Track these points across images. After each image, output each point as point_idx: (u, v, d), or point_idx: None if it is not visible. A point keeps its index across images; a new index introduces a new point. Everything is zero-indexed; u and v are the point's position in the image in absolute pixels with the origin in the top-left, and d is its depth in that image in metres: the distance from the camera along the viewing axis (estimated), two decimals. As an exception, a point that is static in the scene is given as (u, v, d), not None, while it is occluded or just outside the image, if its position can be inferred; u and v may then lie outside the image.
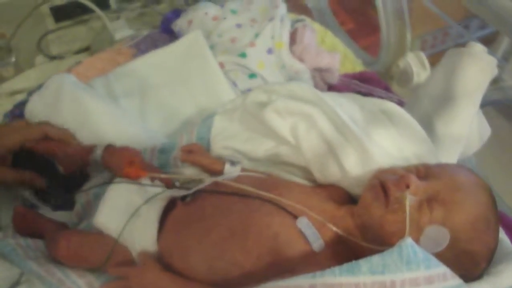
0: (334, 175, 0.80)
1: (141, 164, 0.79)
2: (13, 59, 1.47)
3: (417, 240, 0.60)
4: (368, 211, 0.70)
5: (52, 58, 1.50)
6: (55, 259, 0.75)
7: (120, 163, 0.82)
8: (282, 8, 1.33)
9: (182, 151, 0.85)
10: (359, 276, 0.57)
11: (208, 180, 0.76)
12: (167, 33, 1.45)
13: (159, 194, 0.76)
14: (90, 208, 0.88)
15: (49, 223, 0.85)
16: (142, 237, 0.74)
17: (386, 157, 0.77)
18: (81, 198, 0.89)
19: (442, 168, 0.74)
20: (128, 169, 0.77)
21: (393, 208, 0.67)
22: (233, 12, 1.36)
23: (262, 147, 0.88)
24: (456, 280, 0.58)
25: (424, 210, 0.66)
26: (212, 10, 1.37)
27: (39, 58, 1.51)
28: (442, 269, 0.58)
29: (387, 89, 1.28)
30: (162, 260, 0.75)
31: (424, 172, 0.72)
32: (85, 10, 1.43)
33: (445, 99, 0.93)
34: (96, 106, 1.00)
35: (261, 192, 0.72)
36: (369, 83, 1.28)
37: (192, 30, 1.30)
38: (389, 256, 0.57)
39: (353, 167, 0.78)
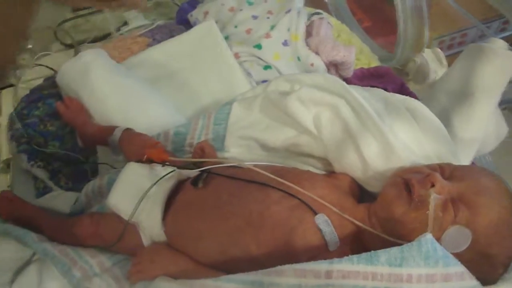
0: (354, 167, 0.79)
1: (163, 149, 0.81)
2: (29, 46, 1.48)
3: (438, 239, 0.59)
4: (389, 208, 0.68)
5: (68, 46, 1.51)
6: (73, 238, 0.78)
7: (137, 147, 0.85)
8: (299, 0, 1.33)
9: (195, 150, 0.85)
10: (377, 266, 0.56)
11: (225, 164, 0.76)
12: (183, 23, 1.45)
13: (169, 175, 0.76)
14: (102, 192, 0.89)
15: (40, 211, 0.87)
16: (149, 217, 0.75)
17: (408, 152, 0.76)
18: (95, 181, 0.90)
19: (467, 170, 0.73)
20: (151, 150, 0.78)
21: (416, 206, 0.65)
22: (250, 3, 1.36)
23: (281, 136, 0.86)
24: (473, 281, 0.57)
25: (448, 210, 0.65)
26: (229, 1, 1.37)
27: (56, 46, 1.52)
28: (460, 268, 0.57)
29: (402, 85, 1.27)
30: (171, 242, 0.75)
31: (449, 172, 0.70)
32: (102, -1, 1.43)
33: (464, 95, 0.91)
34: (123, 82, 1.04)
35: (285, 181, 0.70)
36: (384, 78, 1.27)
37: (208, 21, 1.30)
38: (408, 250, 0.56)
39: (373, 158, 0.76)
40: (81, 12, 1.57)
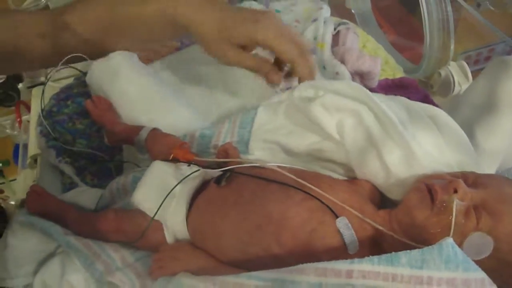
0: (376, 173, 0.79)
1: (189, 149, 0.83)
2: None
3: (459, 245, 0.58)
4: (411, 213, 0.68)
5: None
6: (97, 232, 0.80)
7: (163, 147, 0.87)
8: (326, 10, 1.34)
9: (219, 152, 0.86)
10: (398, 267, 0.57)
11: (248, 164, 0.77)
12: (211, 29, 1.47)
13: (193, 173, 0.78)
14: (126, 190, 0.91)
15: (66, 206, 0.89)
16: (173, 215, 0.77)
17: (430, 160, 0.76)
18: (119, 179, 0.92)
19: (490, 178, 0.73)
20: (177, 151, 0.80)
21: (438, 211, 0.66)
22: (277, 12, 1.38)
23: (305, 141, 0.87)
24: None
25: (470, 217, 0.65)
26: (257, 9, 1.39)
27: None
28: (480, 274, 0.56)
29: (426, 97, 1.27)
30: (193, 240, 0.77)
31: (472, 179, 0.71)
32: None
33: (487, 108, 0.91)
34: (150, 84, 1.05)
35: (306, 183, 0.71)
36: (408, 90, 1.27)
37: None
38: (428, 253, 0.57)
39: (396, 166, 0.77)
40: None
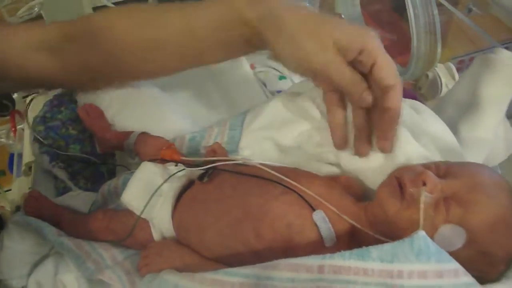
0: (359, 162, 0.80)
1: (176, 150, 0.84)
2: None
3: (431, 238, 0.58)
4: (382, 207, 0.69)
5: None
6: (88, 233, 0.83)
7: (151, 150, 0.90)
8: (315, 15, 1.36)
9: (207, 152, 0.88)
10: (368, 262, 0.57)
11: (229, 161, 0.79)
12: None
13: (179, 172, 0.80)
14: (117, 193, 0.92)
15: (60, 209, 0.91)
16: (160, 213, 0.78)
17: (411, 148, 0.77)
18: (111, 182, 0.94)
19: (463, 167, 0.73)
20: (165, 151, 0.82)
21: (407, 204, 0.66)
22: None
23: (295, 131, 0.88)
24: (468, 278, 0.56)
25: (440, 209, 0.65)
26: (247, 15, 1.41)
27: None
28: (454, 265, 0.56)
29: (414, 99, 1.28)
30: (178, 237, 0.79)
31: (445, 169, 0.70)
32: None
33: (471, 105, 0.92)
34: (140, 89, 1.09)
35: (283, 178, 0.72)
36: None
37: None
38: (399, 246, 0.57)
39: (374, 155, 0.78)
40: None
